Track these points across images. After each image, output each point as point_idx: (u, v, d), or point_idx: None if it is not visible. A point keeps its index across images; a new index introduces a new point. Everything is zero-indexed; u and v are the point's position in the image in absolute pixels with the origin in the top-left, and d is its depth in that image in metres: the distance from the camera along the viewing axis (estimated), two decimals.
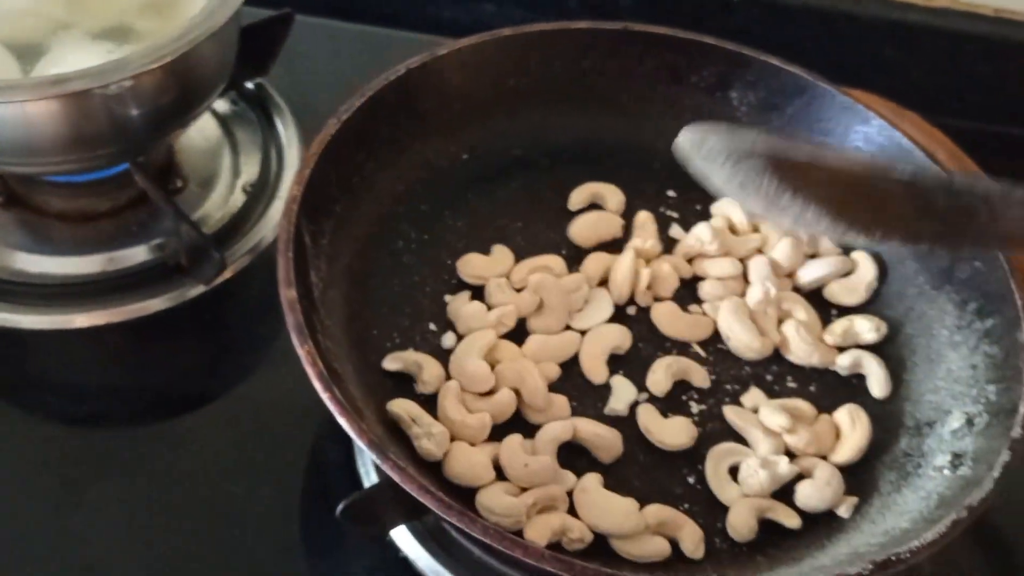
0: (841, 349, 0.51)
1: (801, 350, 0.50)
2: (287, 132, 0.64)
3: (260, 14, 0.61)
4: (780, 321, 0.51)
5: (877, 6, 0.74)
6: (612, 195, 0.56)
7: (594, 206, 0.56)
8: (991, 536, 0.51)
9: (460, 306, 0.50)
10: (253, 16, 0.59)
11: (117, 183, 0.57)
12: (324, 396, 0.39)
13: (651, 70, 0.57)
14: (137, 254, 0.57)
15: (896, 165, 0.42)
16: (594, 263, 0.53)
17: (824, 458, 0.46)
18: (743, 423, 0.47)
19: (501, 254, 0.53)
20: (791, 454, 0.46)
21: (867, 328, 0.50)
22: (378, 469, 0.49)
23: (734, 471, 0.46)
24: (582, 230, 0.54)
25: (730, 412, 0.48)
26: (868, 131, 0.54)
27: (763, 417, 0.47)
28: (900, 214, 0.41)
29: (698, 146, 0.42)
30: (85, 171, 0.55)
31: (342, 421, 0.39)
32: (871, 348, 0.50)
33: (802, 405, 0.48)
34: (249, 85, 0.65)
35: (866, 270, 0.53)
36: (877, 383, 0.49)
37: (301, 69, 0.69)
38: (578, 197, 0.56)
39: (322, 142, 0.48)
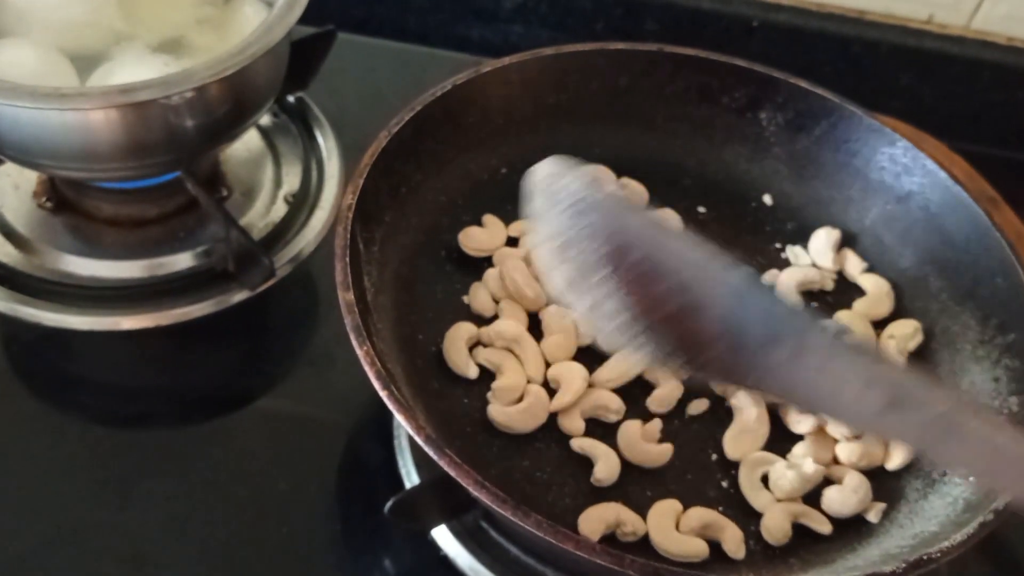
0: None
1: None
2: (327, 145, 0.66)
3: (300, 31, 0.63)
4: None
5: (893, 32, 0.77)
6: (607, 177, 0.58)
7: None
8: (1000, 549, 0.53)
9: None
10: (295, 33, 0.61)
11: (166, 190, 0.59)
12: (383, 394, 0.41)
13: (683, 90, 0.59)
14: (183, 260, 0.58)
15: (726, 271, 0.37)
16: None
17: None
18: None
19: (495, 225, 0.55)
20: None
21: (909, 330, 0.52)
22: (420, 469, 0.51)
23: (766, 479, 0.48)
24: None
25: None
26: (894, 152, 0.56)
27: (827, 425, 0.48)
28: (704, 331, 0.36)
29: (556, 177, 0.38)
30: (138, 178, 0.57)
31: (400, 419, 0.40)
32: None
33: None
34: (290, 99, 0.67)
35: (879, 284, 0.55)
36: None
37: (337, 84, 0.71)
38: None
39: (374, 153, 0.50)
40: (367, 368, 0.42)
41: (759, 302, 0.36)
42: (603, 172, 0.59)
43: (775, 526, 0.45)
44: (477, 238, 0.54)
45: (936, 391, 0.33)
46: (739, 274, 0.37)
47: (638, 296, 0.36)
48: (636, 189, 0.58)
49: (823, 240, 0.56)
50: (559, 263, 0.37)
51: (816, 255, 0.56)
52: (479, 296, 0.52)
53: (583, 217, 0.37)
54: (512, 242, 0.55)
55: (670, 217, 0.56)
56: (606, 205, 0.37)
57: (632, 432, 0.48)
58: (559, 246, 0.37)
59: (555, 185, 0.38)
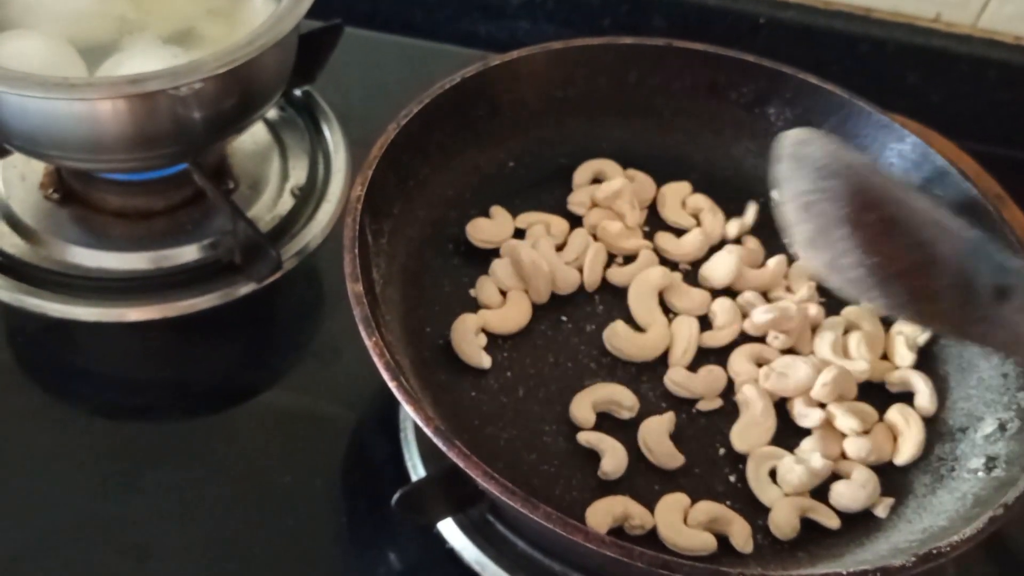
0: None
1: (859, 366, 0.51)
2: (334, 138, 0.66)
3: (308, 24, 0.63)
4: (846, 331, 0.53)
5: (901, 31, 0.77)
6: (613, 170, 0.58)
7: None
8: (1007, 548, 0.53)
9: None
10: (302, 26, 0.61)
11: (173, 182, 0.59)
12: (392, 386, 0.41)
13: (691, 85, 0.59)
14: (189, 252, 0.58)
15: (960, 227, 0.40)
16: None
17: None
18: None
19: (502, 216, 0.55)
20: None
21: (916, 330, 0.52)
22: (426, 462, 0.51)
23: (774, 474, 0.48)
24: (581, 197, 0.57)
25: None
26: (903, 148, 0.56)
27: (835, 419, 0.48)
28: (936, 284, 0.40)
29: (800, 146, 0.41)
30: (146, 169, 0.57)
31: (409, 410, 0.40)
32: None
33: (866, 408, 0.49)
34: (297, 92, 0.67)
35: None
36: (925, 399, 0.50)
37: (344, 78, 0.71)
38: (582, 175, 0.58)
39: (383, 145, 0.50)
40: (376, 359, 0.42)
41: (992, 258, 0.39)
42: (610, 166, 0.59)
43: (783, 521, 0.45)
44: (485, 230, 0.54)
45: None
46: (975, 233, 0.40)
47: (875, 252, 0.39)
48: (643, 181, 0.58)
49: None
50: (803, 221, 0.41)
51: None
52: (486, 288, 0.52)
53: (828, 180, 0.40)
54: (519, 234, 0.55)
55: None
56: (851, 170, 0.40)
57: (656, 428, 0.47)
58: (803, 205, 0.40)
59: (803, 151, 0.41)
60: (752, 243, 0.56)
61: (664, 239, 0.57)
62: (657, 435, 0.47)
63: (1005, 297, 0.38)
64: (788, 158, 0.42)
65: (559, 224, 0.56)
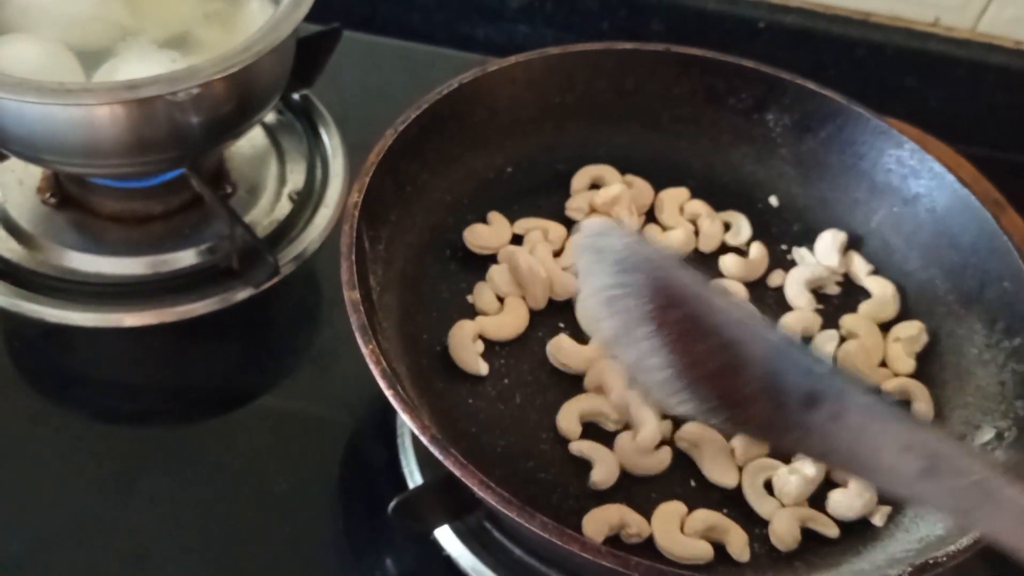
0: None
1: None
2: (331, 143, 0.66)
3: (306, 28, 0.63)
4: (843, 340, 0.53)
5: (899, 35, 0.77)
6: (611, 176, 0.58)
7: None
8: (1004, 557, 0.52)
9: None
10: (301, 30, 0.61)
11: (170, 187, 0.59)
12: (388, 394, 0.41)
13: (690, 91, 0.59)
14: (186, 257, 0.58)
15: (767, 330, 0.38)
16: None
17: None
18: None
19: (500, 222, 0.55)
20: None
21: (915, 332, 0.52)
22: (423, 469, 0.51)
23: (768, 486, 0.47)
24: (579, 203, 0.57)
25: None
26: (901, 154, 0.56)
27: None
28: (746, 390, 0.37)
29: (602, 236, 0.40)
30: (143, 175, 0.57)
31: (406, 418, 0.40)
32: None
33: None
34: (295, 96, 0.67)
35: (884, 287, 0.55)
36: (922, 408, 0.50)
37: (341, 81, 0.71)
38: (580, 180, 0.58)
39: (380, 151, 0.49)
40: (373, 367, 0.42)
41: (800, 362, 0.37)
42: (608, 171, 0.59)
43: (784, 531, 0.45)
44: (482, 235, 0.54)
45: (973, 458, 0.33)
46: (780, 335, 0.38)
47: (681, 353, 0.37)
48: (641, 187, 0.58)
49: (829, 242, 0.56)
50: (606, 317, 0.39)
51: (822, 257, 0.56)
52: (483, 295, 0.52)
53: (628, 274, 0.38)
54: (517, 240, 0.55)
55: (718, 284, 0.55)
56: (651, 264, 0.38)
57: (626, 443, 0.47)
58: (605, 301, 0.38)
59: (601, 242, 0.39)
60: (757, 249, 0.56)
61: (651, 233, 0.57)
62: (625, 450, 0.47)
63: (815, 404, 0.36)
64: (586, 250, 0.40)
65: (557, 230, 0.56)
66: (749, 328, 0.38)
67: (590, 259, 0.40)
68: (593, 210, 0.57)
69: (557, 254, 0.55)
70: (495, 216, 0.56)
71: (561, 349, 0.50)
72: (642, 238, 0.40)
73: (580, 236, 0.40)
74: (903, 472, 0.34)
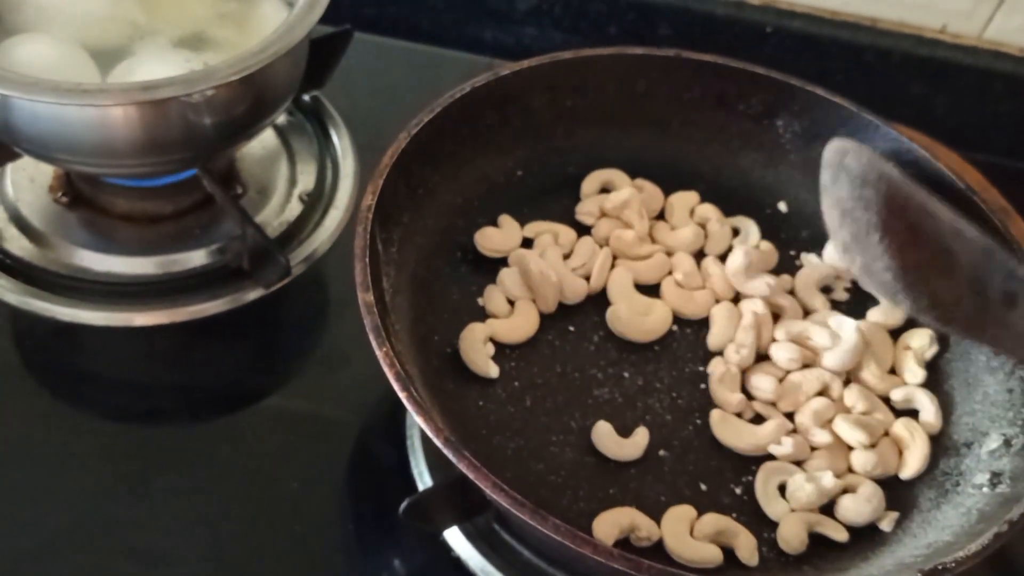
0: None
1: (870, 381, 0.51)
2: (342, 144, 0.66)
3: (317, 30, 0.63)
4: None
5: (907, 41, 0.77)
6: (621, 180, 0.59)
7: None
8: (1012, 565, 0.53)
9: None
10: (312, 32, 0.61)
11: (182, 187, 0.59)
12: (402, 396, 0.41)
13: (700, 96, 0.59)
14: (197, 257, 0.58)
15: (979, 236, 0.43)
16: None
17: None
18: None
19: (510, 225, 0.56)
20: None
21: (925, 340, 0.52)
22: (433, 470, 0.51)
23: (782, 488, 0.48)
24: (589, 207, 0.57)
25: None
26: (909, 161, 0.56)
27: (840, 432, 0.48)
28: (956, 287, 0.43)
29: (840, 155, 0.44)
30: (155, 175, 0.57)
31: (419, 420, 0.40)
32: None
33: (872, 421, 0.49)
34: (305, 97, 0.67)
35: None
36: (930, 417, 0.50)
37: (351, 83, 0.71)
38: (590, 185, 0.59)
39: (393, 154, 0.50)
40: (386, 369, 0.42)
41: (1003, 265, 0.43)
42: (617, 175, 0.59)
43: (792, 535, 0.45)
44: (493, 238, 0.55)
45: None
46: (987, 241, 0.43)
47: (903, 257, 0.42)
48: (651, 191, 0.59)
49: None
50: (841, 226, 0.44)
51: (830, 263, 0.56)
52: (494, 298, 0.53)
53: (863, 189, 0.43)
54: (527, 243, 0.56)
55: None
56: (882, 181, 0.43)
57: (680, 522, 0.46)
58: (842, 212, 0.44)
59: (842, 160, 0.44)
60: (766, 246, 0.57)
61: (660, 230, 0.57)
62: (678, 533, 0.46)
63: (1013, 303, 0.42)
64: (829, 167, 0.45)
65: (567, 233, 0.56)
66: (963, 234, 0.43)
67: (831, 174, 0.44)
68: (603, 215, 0.57)
69: (567, 257, 0.55)
70: (505, 219, 0.56)
71: (618, 318, 0.52)
72: (877, 157, 0.44)
73: (826, 153, 0.45)
74: None
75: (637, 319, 0.53)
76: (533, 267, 0.52)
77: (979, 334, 0.44)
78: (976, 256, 0.43)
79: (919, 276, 0.43)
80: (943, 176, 0.55)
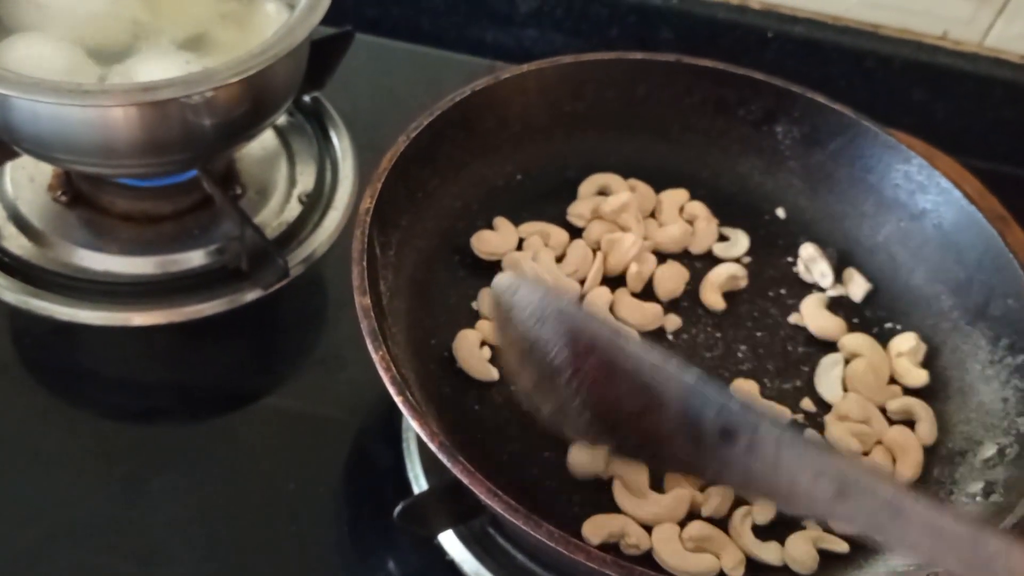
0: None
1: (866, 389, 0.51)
2: (342, 145, 0.66)
3: (318, 31, 0.63)
4: (847, 361, 0.53)
5: (908, 48, 0.77)
6: (618, 184, 0.59)
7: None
8: None
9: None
10: (313, 33, 0.61)
11: (181, 188, 0.59)
12: (398, 400, 0.41)
13: (700, 101, 0.59)
14: (196, 258, 0.58)
15: (680, 371, 0.39)
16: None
17: None
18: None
19: (506, 228, 0.56)
20: None
21: (913, 343, 0.53)
22: (428, 473, 0.51)
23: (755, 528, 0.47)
24: (580, 209, 0.58)
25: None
26: (908, 169, 0.56)
27: (833, 441, 0.48)
28: (665, 428, 0.39)
29: (511, 291, 0.41)
30: (155, 175, 0.57)
31: (415, 424, 0.41)
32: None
33: (866, 429, 0.49)
34: (306, 98, 0.67)
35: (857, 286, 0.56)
36: (925, 428, 0.50)
37: (351, 84, 0.71)
38: (588, 188, 0.59)
39: (392, 157, 0.50)
40: (382, 373, 0.42)
41: (713, 399, 0.38)
42: (614, 180, 0.59)
43: (802, 554, 0.45)
44: (490, 242, 0.55)
45: (882, 479, 0.35)
46: (692, 374, 0.39)
47: (599, 398, 0.39)
48: (644, 191, 0.59)
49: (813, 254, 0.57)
50: (524, 368, 0.41)
51: (819, 275, 0.57)
52: (489, 302, 0.53)
53: (543, 326, 0.39)
54: (522, 245, 0.56)
55: (629, 331, 0.53)
56: (564, 315, 0.40)
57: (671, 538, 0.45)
58: (520, 353, 0.40)
59: (512, 298, 0.41)
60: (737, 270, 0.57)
61: (649, 227, 0.58)
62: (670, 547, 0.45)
63: (731, 438, 0.38)
64: (499, 306, 0.42)
65: (558, 235, 0.56)
66: (663, 370, 0.39)
67: (503, 314, 0.41)
68: (596, 217, 0.57)
69: (559, 260, 0.55)
70: (501, 222, 0.56)
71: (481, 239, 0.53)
72: (552, 290, 0.41)
73: (492, 291, 0.42)
74: (818, 497, 0.36)
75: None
76: (527, 271, 0.52)
77: (701, 472, 0.41)
78: (681, 391, 0.38)
79: (621, 417, 0.39)
80: (942, 184, 0.55)
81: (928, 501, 0.34)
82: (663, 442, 0.39)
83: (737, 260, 0.58)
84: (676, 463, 0.41)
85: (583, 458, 0.46)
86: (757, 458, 0.37)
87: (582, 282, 0.55)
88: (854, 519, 0.35)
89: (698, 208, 0.59)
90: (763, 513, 0.46)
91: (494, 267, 0.55)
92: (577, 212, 0.58)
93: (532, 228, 0.56)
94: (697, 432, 0.38)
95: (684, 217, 0.59)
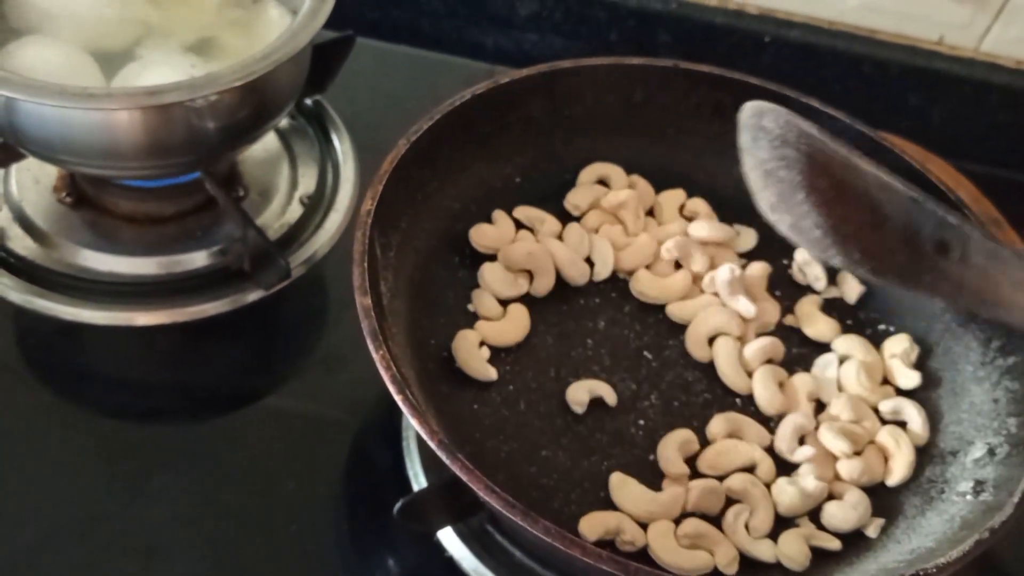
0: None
1: (859, 391, 0.52)
2: (343, 147, 0.67)
3: (320, 35, 0.63)
4: (841, 362, 0.54)
5: (904, 52, 0.77)
6: (618, 175, 0.60)
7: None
8: (995, 569, 0.53)
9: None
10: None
11: (184, 189, 0.59)
12: (398, 399, 0.42)
13: (697, 106, 0.60)
14: (198, 258, 0.59)
15: (906, 187, 0.45)
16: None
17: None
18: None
19: (504, 221, 0.56)
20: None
21: (907, 344, 0.53)
22: (427, 471, 0.52)
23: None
24: (577, 200, 0.59)
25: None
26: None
27: (824, 441, 0.49)
28: (887, 240, 0.44)
29: (757, 116, 0.45)
30: (159, 177, 0.58)
31: (414, 423, 0.41)
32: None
33: (857, 429, 0.50)
34: (307, 101, 0.68)
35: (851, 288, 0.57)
36: (917, 428, 0.50)
37: (352, 87, 0.72)
38: (587, 176, 0.60)
39: (393, 160, 0.50)
40: (383, 372, 0.43)
41: (932, 215, 0.44)
42: (615, 171, 0.60)
43: (795, 551, 0.46)
44: (488, 235, 0.56)
45: None
46: (916, 192, 0.44)
47: (831, 214, 0.43)
48: (644, 188, 0.59)
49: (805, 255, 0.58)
50: (765, 187, 0.44)
51: (813, 278, 0.58)
52: (483, 301, 0.53)
53: (783, 149, 0.44)
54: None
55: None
56: (802, 140, 0.44)
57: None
58: (764, 173, 0.44)
59: (760, 122, 0.45)
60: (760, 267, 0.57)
61: (649, 226, 0.59)
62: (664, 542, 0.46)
63: (946, 251, 0.44)
64: (747, 129, 0.45)
65: (552, 223, 0.57)
66: (890, 187, 0.44)
67: (750, 136, 0.45)
68: (592, 207, 0.58)
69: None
70: (500, 215, 0.57)
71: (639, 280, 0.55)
72: (795, 116, 0.45)
73: (742, 115, 0.46)
74: (1019, 305, 0.42)
75: (659, 280, 0.55)
76: (523, 248, 0.53)
77: (914, 284, 0.45)
78: (904, 207, 0.44)
79: (848, 231, 0.43)
80: (936, 187, 0.55)
81: None
82: (886, 254, 0.44)
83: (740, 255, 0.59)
84: (895, 274, 0.44)
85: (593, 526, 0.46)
86: (968, 268, 0.43)
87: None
88: None
89: (699, 205, 0.60)
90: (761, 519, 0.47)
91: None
92: (574, 202, 0.58)
93: (526, 213, 0.57)
94: (917, 243, 0.44)
95: (685, 214, 0.59)
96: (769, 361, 0.53)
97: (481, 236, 0.55)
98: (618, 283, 0.57)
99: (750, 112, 0.46)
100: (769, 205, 0.45)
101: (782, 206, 0.44)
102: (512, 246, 0.54)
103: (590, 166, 0.60)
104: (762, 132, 0.45)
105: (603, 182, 0.60)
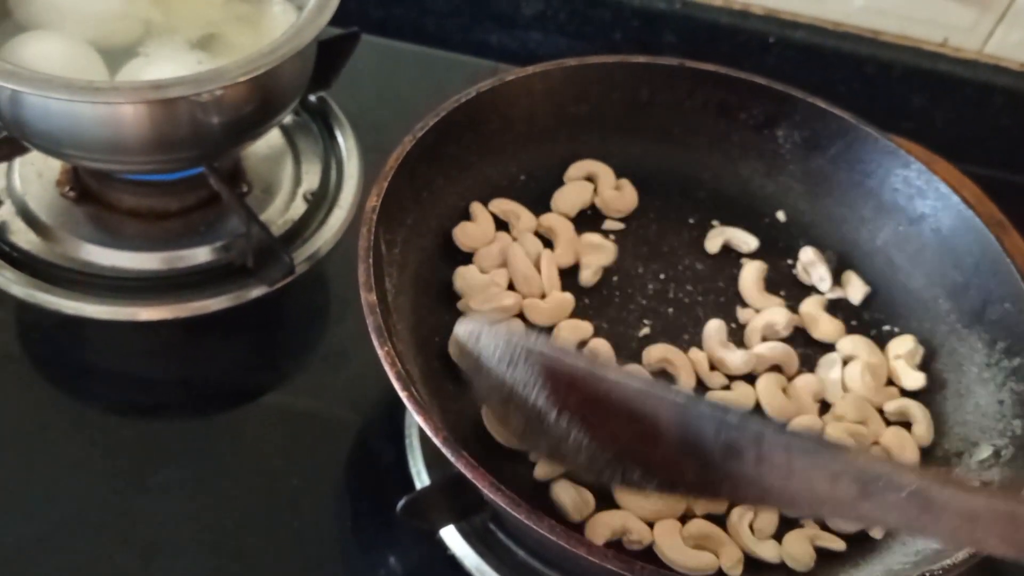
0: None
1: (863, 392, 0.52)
2: (347, 144, 0.67)
3: (325, 31, 0.63)
4: (845, 362, 0.54)
5: (908, 54, 0.78)
6: (604, 173, 0.59)
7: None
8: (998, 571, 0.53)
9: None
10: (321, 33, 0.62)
11: (188, 184, 0.59)
12: (403, 395, 0.42)
13: (702, 105, 0.60)
14: (202, 254, 0.59)
15: (670, 393, 0.38)
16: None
17: None
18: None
19: (482, 216, 0.56)
20: None
21: (911, 345, 0.53)
22: (430, 468, 0.52)
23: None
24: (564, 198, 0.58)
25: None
26: (908, 175, 0.57)
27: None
28: (667, 454, 0.37)
29: (475, 338, 0.39)
30: (163, 172, 0.58)
31: (420, 420, 0.41)
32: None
33: (862, 430, 0.50)
34: (312, 98, 0.68)
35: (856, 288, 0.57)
36: (922, 429, 0.50)
37: (357, 84, 0.72)
38: (574, 172, 0.60)
39: (398, 157, 0.50)
40: (388, 369, 0.42)
41: (710, 416, 0.36)
42: (603, 170, 0.60)
43: (800, 552, 0.45)
44: (471, 234, 0.55)
45: (902, 471, 0.34)
46: (683, 394, 0.37)
47: (593, 432, 0.37)
48: (628, 192, 0.59)
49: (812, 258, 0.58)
50: (507, 414, 0.39)
51: (817, 278, 0.58)
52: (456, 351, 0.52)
53: (514, 369, 0.38)
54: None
55: (601, 347, 0.52)
56: (532, 354, 0.38)
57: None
58: (501, 399, 0.39)
59: (477, 345, 0.39)
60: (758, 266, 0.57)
61: None
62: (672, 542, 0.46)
63: (736, 454, 0.36)
64: (466, 356, 0.40)
65: (528, 219, 0.56)
66: (651, 395, 0.37)
67: (472, 363, 0.40)
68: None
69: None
70: (477, 208, 0.56)
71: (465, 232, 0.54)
72: (515, 330, 0.40)
73: (459, 336, 0.40)
74: (842, 499, 0.34)
75: None
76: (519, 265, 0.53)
77: (713, 493, 0.39)
78: (675, 415, 0.36)
79: (620, 449, 0.37)
80: (940, 189, 0.55)
81: (955, 484, 0.32)
82: (668, 468, 0.37)
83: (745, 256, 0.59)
84: (688, 488, 0.38)
85: (568, 496, 0.45)
86: (768, 469, 0.35)
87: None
88: (883, 517, 0.34)
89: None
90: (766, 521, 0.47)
91: None
92: (559, 209, 0.58)
93: (502, 207, 0.56)
94: (702, 453, 0.36)
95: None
96: (775, 367, 0.53)
97: (466, 237, 0.55)
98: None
99: (463, 333, 0.40)
100: (518, 434, 0.39)
101: (534, 432, 0.38)
102: (486, 248, 0.54)
103: (577, 163, 0.60)
104: (483, 355, 0.39)
105: (591, 179, 0.60)
